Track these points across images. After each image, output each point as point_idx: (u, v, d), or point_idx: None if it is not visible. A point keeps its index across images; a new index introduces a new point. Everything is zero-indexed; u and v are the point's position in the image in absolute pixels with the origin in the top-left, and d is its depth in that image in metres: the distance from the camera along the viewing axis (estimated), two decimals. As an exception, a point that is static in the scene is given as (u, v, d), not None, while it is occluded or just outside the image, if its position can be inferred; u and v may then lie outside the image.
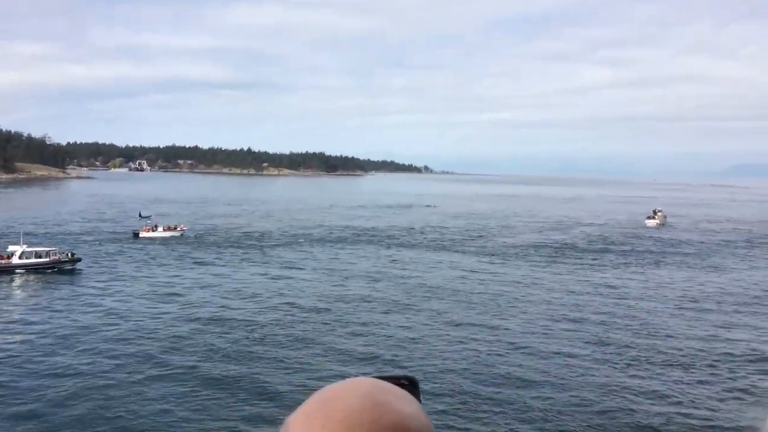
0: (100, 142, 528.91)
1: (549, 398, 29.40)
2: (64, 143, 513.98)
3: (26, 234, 79.63)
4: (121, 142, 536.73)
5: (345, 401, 1.09)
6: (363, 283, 56.36)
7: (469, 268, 66.11)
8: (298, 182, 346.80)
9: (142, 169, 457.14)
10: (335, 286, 55.19)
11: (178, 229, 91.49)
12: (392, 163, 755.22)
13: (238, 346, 36.62)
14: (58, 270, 61.52)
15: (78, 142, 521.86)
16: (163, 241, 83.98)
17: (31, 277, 59.22)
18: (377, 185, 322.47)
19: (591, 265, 70.02)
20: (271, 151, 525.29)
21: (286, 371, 32.60)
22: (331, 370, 32.29)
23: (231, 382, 30.74)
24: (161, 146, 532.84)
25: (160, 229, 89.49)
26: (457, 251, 78.68)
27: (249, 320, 42.50)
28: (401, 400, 1.12)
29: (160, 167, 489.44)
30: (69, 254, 64.67)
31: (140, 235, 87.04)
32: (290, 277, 58.95)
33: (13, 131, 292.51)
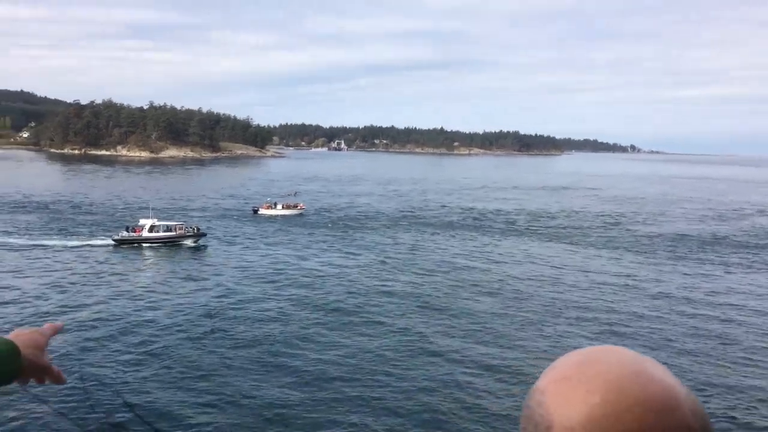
0: (306, 123, 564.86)
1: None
2: (276, 125, 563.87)
3: (165, 208, 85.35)
4: (326, 123, 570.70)
5: (606, 366, 1.05)
6: (438, 276, 49.47)
7: (562, 262, 56.29)
8: (481, 161, 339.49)
9: (339, 149, 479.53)
10: (399, 274, 49.62)
11: (298, 207, 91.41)
12: (595, 142, 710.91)
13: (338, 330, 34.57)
14: (183, 244, 62.88)
15: (289, 123, 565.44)
16: (282, 219, 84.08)
17: (158, 249, 60.85)
18: (564, 165, 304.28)
19: (737, 264, 56.24)
20: (465, 130, 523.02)
21: (409, 363, 29.59)
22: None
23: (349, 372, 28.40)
24: (360, 126, 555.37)
25: (280, 207, 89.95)
26: (569, 241, 68.17)
27: (336, 303, 40.22)
28: (660, 368, 1.06)
29: (358, 147, 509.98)
30: (195, 229, 65.64)
31: (259, 212, 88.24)
32: (377, 261, 54.58)
33: (222, 114, 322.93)
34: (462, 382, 27.32)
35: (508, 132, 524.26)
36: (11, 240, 60.20)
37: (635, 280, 49.11)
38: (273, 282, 45.70)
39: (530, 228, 78.00)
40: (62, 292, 41.03)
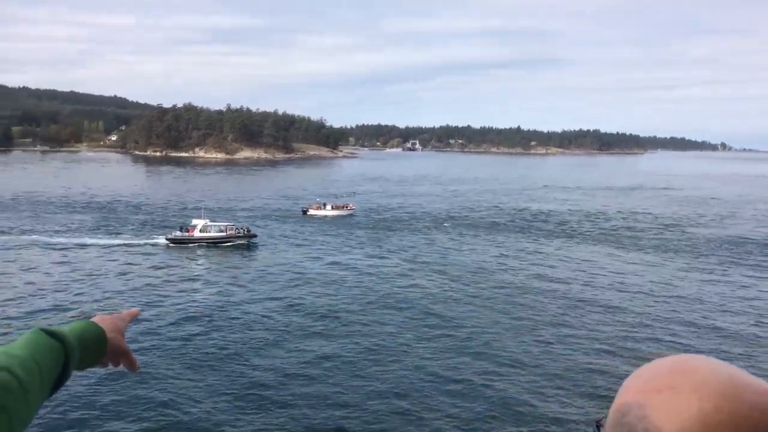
0: (383, 124, 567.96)
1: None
2: (353, 125, 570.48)
3: (220, 209, 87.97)
4: (402, 124, 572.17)
5: (707, 373, 1.01)
6: (472, 278, 48.61)
7: (599, 264, 53.70)
8: (556, 161, 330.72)
9: (414, 149, 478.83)
10: (443, 276, 48.95)
11: (347, 208, 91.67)
12: (682, 140, 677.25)
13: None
14: (235, 244, 63.68)
15: (365, 124, 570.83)
16: (331, 220, 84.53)
17: (209, 249, 61.87)
18: (643, 164, 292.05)
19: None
20: (543, 129, 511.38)
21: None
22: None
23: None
24: (436, 126, 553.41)
25: (329, 207, 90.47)
26: (615, 243, 65.08)
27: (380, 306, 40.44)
28: (753, 378, 1.02)
29: (434, 147, 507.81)
30: (245, 230, 66.57)
31: (308, 213, 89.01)
32: (405, 263, 54.22)
33: (296, 115, 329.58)
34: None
35: (588, 131, 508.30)
36: (66, 239, 62.80)
37: (672, 284, 46.31)
38: (314, 284, 46.22)
39: (576, 230, 75.11)
40: (116, 290, 43.04)
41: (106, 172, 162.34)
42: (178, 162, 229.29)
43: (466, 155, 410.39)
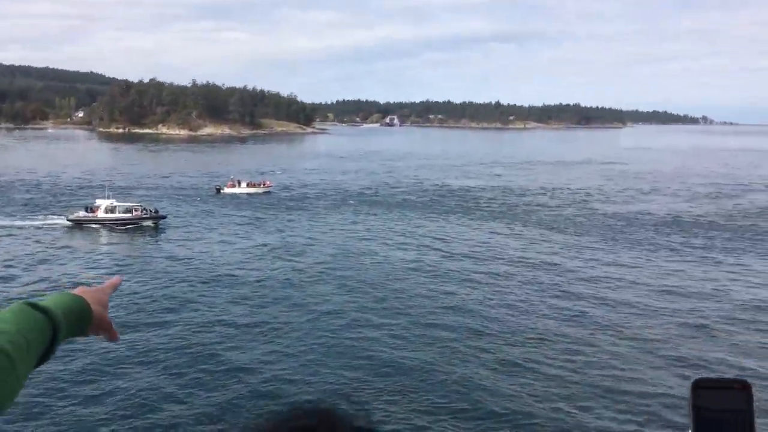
0: (362, 100, 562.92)
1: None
2: (334, 101, 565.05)
3: (132, 187, 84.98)
4: (384, 99, 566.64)
5: None
6: (331, 260, 46.44)
7: (482, 240, 51.37)
8: (531, 136, 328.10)
9: (392, 124, 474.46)
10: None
11: (263, 185, 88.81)
12: (664, 113, 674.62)
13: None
14: (141, 226, 60.19)
15: (345, 100, 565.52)
16: (246, 198, 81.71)
17: (114, 231, 58.40)
18: (613, 138, 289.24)
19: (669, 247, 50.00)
20: (525, 104, 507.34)
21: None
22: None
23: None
24: (417, 102, 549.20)
25: (244, 185, 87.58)
26: (512, 220, 62.76)
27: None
28: None
29: (413, 122, 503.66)
30: (153, 211, 63.11)
31: (223, 191, 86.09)
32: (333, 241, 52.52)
33: (267, 91, 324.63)
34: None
35: (568, 105, 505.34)
36: None
37: (531, 256, 44.12)
38: (221, 265, 44.22)
39: (479, 206, 72.62)
40: (12, 274, 40.49)
41: (47, 150, 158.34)
42: (137, 139, 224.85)
43: (441, 130, 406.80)
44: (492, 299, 35.73)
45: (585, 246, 51.22)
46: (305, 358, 27.14)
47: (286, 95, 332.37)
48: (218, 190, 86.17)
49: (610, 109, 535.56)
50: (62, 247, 49.46)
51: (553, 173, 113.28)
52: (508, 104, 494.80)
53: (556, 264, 44.63)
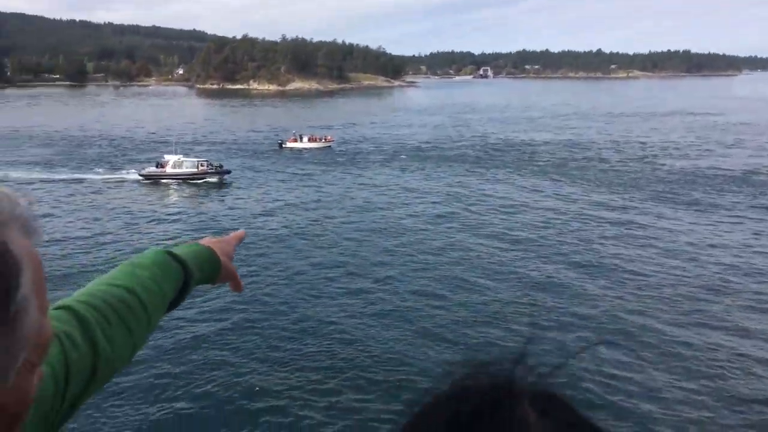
0: (456, 51, 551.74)
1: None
2: (427, 53, 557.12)
3: (200, 141, 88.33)
4: (479, 50, 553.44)
5: None
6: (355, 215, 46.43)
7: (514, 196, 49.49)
8: (631, 85, 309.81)
9: (485, 76, 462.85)
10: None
11: (325, 140, 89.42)
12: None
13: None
14: (207, 181, 61.51)
15: (438, 52, 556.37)
16: (306, 152, 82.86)
17: (181, 186, 59.80)
18: (727, 87, 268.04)
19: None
20: (629, 51, 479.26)
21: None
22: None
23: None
24: (513, 52, 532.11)
25: (305, 140, 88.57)
26: (562, 176, 59.92)
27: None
28: None
29: (508, 73, 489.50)
30: (218, 165, 64.36)
31: (285, 146, 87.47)
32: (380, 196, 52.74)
33: (355, 44, 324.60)
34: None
35: (677, 52, 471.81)
36: (32, 174, 62.42)
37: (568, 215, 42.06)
38: (286, 216, 45.26)
39: (533, 161, 69.57)
40: (87, 228, 42.03)
41: (138, 106, 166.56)
42: (229, 95, 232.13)
43: (537, 81, 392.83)
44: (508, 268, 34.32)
45: (629, 205, 48.11)
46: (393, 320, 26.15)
47: (374, 48, 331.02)
48: (280, 145, 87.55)
49: (723, 55, 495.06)
50: (132, 201, 51.32)
51: (631, 125, 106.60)
52: (611, 52, 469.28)
53: (589, 225, 42.27)
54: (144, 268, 1.62)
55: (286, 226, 42.15)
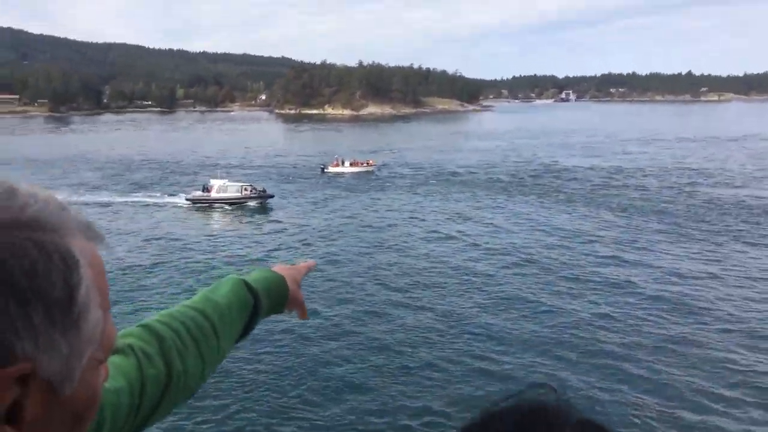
0: (539, 75, 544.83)
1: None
2: (510, 77, 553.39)
3: (246, 165, 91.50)
4: (569, 73, 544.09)
5: None
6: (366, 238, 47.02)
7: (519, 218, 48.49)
8: (720, 108, 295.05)
9: (567, 100, 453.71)
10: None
11: (367, 164, 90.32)
12: None
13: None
14: (250, 205, 62.71)
15: (521, 75, 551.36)
16: (348, 177, 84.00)
17: (226, 210, 61.27)
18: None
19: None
20: (722, 73, 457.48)
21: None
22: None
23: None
24: (597, 75, 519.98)
25: (347, 164, 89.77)
26: (593, 204, 58.15)
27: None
28: None
29: (592, 97, 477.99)
30: (261, 190, 65.47)
31: (327, 170, 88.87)
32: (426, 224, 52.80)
33: (431, 69, 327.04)
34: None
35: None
36: (89, 198, 64.38)
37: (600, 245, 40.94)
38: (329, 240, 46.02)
39: (569, 188, 67.72)
40: (140, 249, 43.59)
41: (211, 130, 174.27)
42: (304, 119, 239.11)
43: (621, 105, 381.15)
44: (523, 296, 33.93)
45: (652, 238, 46.00)
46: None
47: (451, 72, 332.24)
48: (322, 170, 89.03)
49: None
50: (178, 225, 52.78)
51: (691, 150, 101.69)
52: (702, 74, 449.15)
53: (581, 250, 40.95)
54: (220, 295, 1.66)
55: (311, 251, 42.39)
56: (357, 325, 28.77)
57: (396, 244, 44.01)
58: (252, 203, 63.21)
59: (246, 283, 1.75)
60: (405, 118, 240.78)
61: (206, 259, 41.20)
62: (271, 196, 64.28)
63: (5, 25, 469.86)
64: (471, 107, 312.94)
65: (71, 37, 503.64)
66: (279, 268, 1.96)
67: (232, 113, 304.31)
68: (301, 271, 2.03)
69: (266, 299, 1.80)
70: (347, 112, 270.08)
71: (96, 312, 0.82)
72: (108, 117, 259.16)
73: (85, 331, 0.80)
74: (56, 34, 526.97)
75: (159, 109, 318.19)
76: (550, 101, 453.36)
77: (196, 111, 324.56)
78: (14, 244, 0.76)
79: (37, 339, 0.76)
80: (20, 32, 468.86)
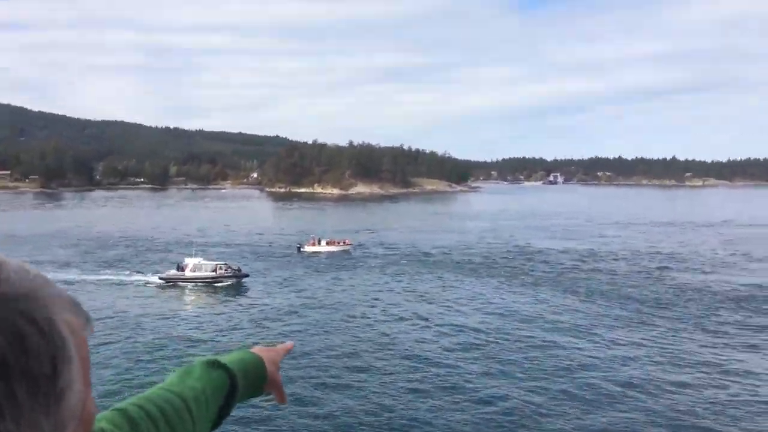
0: (528, 157, 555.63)
1: None
2: (500, 159, 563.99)
3: (222, 244, 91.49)
4: (558, 155, 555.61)
5: None
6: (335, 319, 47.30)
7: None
8: (703, 194, 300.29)
9: (554, 182, 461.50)
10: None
11: (343, 243, 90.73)
12: None
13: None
14: (224, 284, 62.44)
15: (510, 157, 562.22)
16: (327, 255, 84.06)
17: (199, 289, 61.07)
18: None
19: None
20: (706, 158, 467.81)
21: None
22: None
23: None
24: (585, 158, 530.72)
25: (323, 243, 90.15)
26: (558, 286, 58.23)
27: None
28: None
29: (579, 180, 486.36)
30: (236, 269, 65.60)
31: (303, 249, 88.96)
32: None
33: (421, 150, 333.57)
34: None
35: (758, 160, 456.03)
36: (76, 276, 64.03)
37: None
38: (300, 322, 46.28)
39: (535, 270, 68.13)
40: (111, 329, 42.98)
41: (195, 208, 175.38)
42: (293, 197, 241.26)
43: (607, 188, 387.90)
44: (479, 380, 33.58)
45: (611, 323, 45.92)
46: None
47: (441, 154, 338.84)
48: (299, 249, 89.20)
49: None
50: (150, 304, 52.58)
51: (666, 235, 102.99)
52: (686, 159, 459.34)
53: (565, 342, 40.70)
54: (194, 378, 1.62)
55: (285, 330, 42.70)
56: (311, 397, 29.72)
57: (357, 325, 44.58)
58: (227, 282, 62.93)
59: (222, 365, 1.71)
60: (393, 198, 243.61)
61: (180, 338, 40.98)
62: (246, 275, 64.16)
63: (5, 102, 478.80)
64: (459, 188, 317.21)
65: (70, 114, 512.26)
66: (258, 349, 1.91)
67: (223, 191, 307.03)
68: (280, 353, 1.98)
69: (243, 380, 1.74)
70: (336, 191, 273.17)
71: (79, 388, 0.83)
72: (98, 193, 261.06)
73: (67, 408, 0.80)
74: (55, 112, 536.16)
75: (150, 186, 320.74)
76: (538, 183, 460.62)
77: (187, 188, 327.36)
78: (5, 318, 0.76)
79: (20, 418, 0.75)
80: (19, 109, 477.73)
